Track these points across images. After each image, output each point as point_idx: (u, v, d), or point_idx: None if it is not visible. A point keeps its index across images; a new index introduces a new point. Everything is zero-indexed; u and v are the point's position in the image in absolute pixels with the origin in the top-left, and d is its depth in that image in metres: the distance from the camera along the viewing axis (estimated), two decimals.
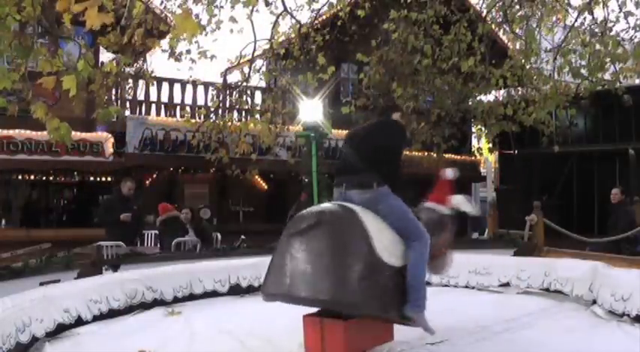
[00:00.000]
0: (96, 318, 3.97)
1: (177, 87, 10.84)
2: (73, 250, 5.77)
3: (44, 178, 10.57)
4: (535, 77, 8.71)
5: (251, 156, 9.25)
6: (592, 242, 7.49)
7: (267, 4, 8.51)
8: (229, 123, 9.34)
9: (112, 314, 4.12)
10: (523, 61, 8.53)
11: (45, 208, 11.21)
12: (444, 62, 8.48)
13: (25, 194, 10.74)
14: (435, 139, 9.63)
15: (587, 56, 7.73)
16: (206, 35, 7.98)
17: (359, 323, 3.12)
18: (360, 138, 3.52)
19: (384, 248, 3.10)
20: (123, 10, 4.62)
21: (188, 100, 10.97)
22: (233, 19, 7.92)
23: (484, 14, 8.79)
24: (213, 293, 4.85)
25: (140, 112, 10.55)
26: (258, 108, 10.78)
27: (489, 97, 9.96)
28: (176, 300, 4.61)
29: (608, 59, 7.44)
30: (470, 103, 9.57)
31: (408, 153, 10.49)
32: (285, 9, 8.60)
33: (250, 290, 5.00)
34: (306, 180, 9.52)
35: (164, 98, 10.81)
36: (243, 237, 6.93)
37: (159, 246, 7.64)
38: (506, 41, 10.65)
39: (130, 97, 10.54)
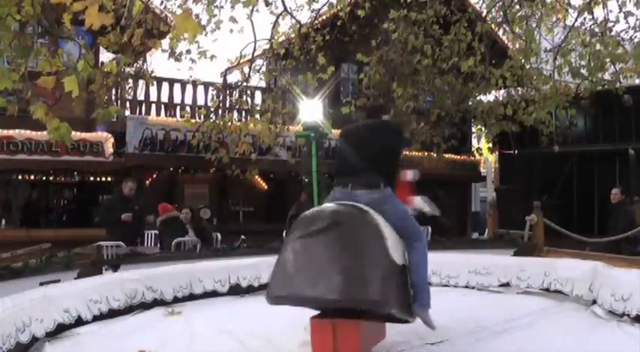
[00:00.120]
0: (96, 318, 3.97)
1: (177, 87, 10.84)
2: (73, 250, 5.77)
3: (44, 178, 10.57)
4: (535, 77, 8.71)
5: (251, 156, 9.25)
6: (592, 242, 7.49)
7: (267, 4, 8.52)
8: (229, 123, 9.34)
9: (112, 314, 4.11)
10: (523, 61, 8.53)
11: (45, 208, 11.21)
12: (444, 62, 8.48)
13: (25, 194, 10.73)
14: (435, 139, 9.64)
15: (587, 56, 7.74)
16: (206, 35, 8.00)
17: (366, 324, 3.13)
18: (361, 138, 3.51)
19: (393, 248, 3.12)
20: (123, 10, 4.62)
21: (188, 100, 10.97)
22: (233, 19, 7.92)
23: (484, 14, 8.79)
24: (213, 293, 4.85)
25: (140, 112, 10.55)
26: (258, 108, 10.78)
27: (489, 97, 9.96)
28: (176, 300, 4.61)
29: (608, 59, 7.45)
30: (470, 103, 9.58)
31: (407, 153, 10.51)
32: (285, 9, 8.60)
33: (250, 290, 5.00)
34: (306, 180, 9.52)
35: (164, 98, 10.81)
36: (243, 237, 6.93)
37: (159, 246, 7.65)
38: (506, 41, 10.66)
39: (130, 97, 10.54)
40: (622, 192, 7.99)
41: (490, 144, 10.49)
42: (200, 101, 10.86)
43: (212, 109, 9.74)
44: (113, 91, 9.65)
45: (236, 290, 4.97)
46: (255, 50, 8.77)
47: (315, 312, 3.21)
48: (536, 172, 14.41)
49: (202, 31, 7.55)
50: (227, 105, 10.29)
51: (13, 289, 4.04)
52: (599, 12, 7.69)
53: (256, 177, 10.56)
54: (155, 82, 10.16)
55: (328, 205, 3.23)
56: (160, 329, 3.85)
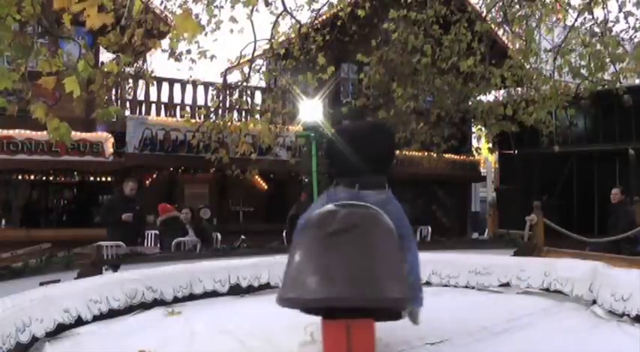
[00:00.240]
0: (96, 318, 3.97)
1: (177, 87, 10.85)
2: (73, 250, 5.77)
3: (44, 178, 10.57)
4: (535, 77, 8.71)
5: (251, 156, 9.25)
6: (592, 242, 7.49)
7: (267, 4, 8.52)
8: (229, 123, 9.34)
9: (112, 314, 4.11)
10: (522, 61, 8.53)
11: (45, 208, 11.21)
12: (444, 62, 8.48)
13: (25, 194, 10.74)
14: (435, 139, 9.64)
15: (587, 56, 7.74)
16: (206, 35, 8.00)
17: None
18: (361, 138, 3.51)
19: (402, 248, 3.18)
20: (123, 10, 4.62)
21: (188, 100, 10.97)
22: (233, 19, 7.92)
23: (484, 14, 8.79)
24: (213, 293, 4.85)
25: (140, 112, 10.55)
26: (258, 108, 10.78)
27: (489, 97, 9.97)
28: (176, 300, 4.61)
29: (608, 59, 7.45)
30: (470, 103, 9.58)
31: (407, 153, 10.53)
32: (285, 9, 8.60)
33: (250, 290, 5.00)
34: (306, 180, 9.53)
35: (164, 98, 10.81)
36: (243, 237, 6.94)
37: (159, 246, 7.65)
38: (506, 41, 10.66)
39: (130, 97, 10.54)
40: (622, 192, 8.00)
41: (490, 145, 10.49)
42: (200, 101, 10.88)
43: (212, 109, 9.75)
44: (113, 91, 9.65)
45: (236, 290, 4.96)
46: (255, 50, 8.77)
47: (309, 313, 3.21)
48: (536, 172, 14.42)
49: (202, 31, 7.54)
50: (227, 105, 10.30)
51: (13, 289, 4.04)
52: (599, 12, 7.70)
53: (256, 177, 10.56)
54: (155, 82, 10.16)
55: (340, 206, 3.16)
56: (160, 329, 3.85)
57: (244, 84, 9.45)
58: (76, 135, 8.91)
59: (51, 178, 10.66)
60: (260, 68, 9.37)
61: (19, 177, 10.21)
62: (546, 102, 8.37)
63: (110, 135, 9.84)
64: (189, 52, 8.27)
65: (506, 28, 8.88)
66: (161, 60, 8.71)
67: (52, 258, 5.21)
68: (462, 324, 3.64)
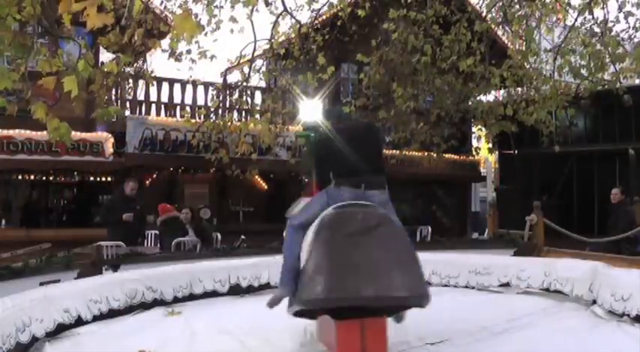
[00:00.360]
0: (96, 318, 3.97)
1: (177, 87, 10.83)
2: (73, 250, 5.77)
3: (44, 178, 10.56)
4: (535, 77, 8.71)
5: (251, 156, 9.25)
6: (592, 242, 7.49)
7: (267, 4, 8.51)
8: (229, 123, 9.33)
9: (112, 314, 4.12)
10: (522, 61, 8.53)
11: (45, 208, 11.20)
12: (444, 62, 8.48)
13: (25, 194, 10.73)
14: (435, 139, 9.64)
15: (587, 56, 7.73)
16: (206, 35, 7.99)
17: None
18: (360, 138, 3.52)
19: None
20: (123, 10, 4.61)
21: (188, 100, 10.96)
22: (233, 19, 7.92)
23: (484, 14, 8.79)
24: (213, 293, 4.85)
25: (140, 112, 10.55)
26: (258, 108, 10.78)
27: (489, 97, 9.96)
28: (176, 300, 4.61)
29: (608, 59, 7.45)
30: (470, 103, 9.58)
31: (407, 153, 10.54)
32: (285, 9, 8.60)
33: (250, 290, 5.01)
34: (306, 180, 9.51)
35: (164, 98, 10.80)
36: (243, 237, 6.94)
37: (159, 246, 7.65)
38: (506, 41, 10.66)
39: (130, 97, 10.54)
40: (622, 192, 8.00)
41: (490, 145, 10.49)
42: (200, 101, 10.86)
43: (212, 109, 9.74)
44: (113, 91, 9.64)
45: (236, 290, 4.97)
46: (255, 50, 8.77)
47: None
48: (536, 172, 14.41)
49: (202, 31, 7.55)
50: (227, 105, 10.29)
51: (13, 289, 4.04)
52: (599, 12, 7.70)
53: (256, 177, 10.56)
54: (155, 82, 10.15)
55: (354, 206, 3.18)
56: (160, 329, 3.85)
57: (244, 84, 9.44)
58: (76, 135, 8.91)
59: (51, 178, 10.65)
60: (260, 68, 9.37)
61: (19, 177, 10.20)
62: (546, 102, 8.36)
63: (110, 135, 9.84)
64: (189, 52, 8.27)
65: (507, 28, 8.86)
66: (161, 60, 8.72)
67: (52, 258, 5.21)
68: (462, 324, 3.65)
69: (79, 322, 3.83)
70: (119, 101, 10.28)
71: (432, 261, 5.09)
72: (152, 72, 9.29)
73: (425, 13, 8.35)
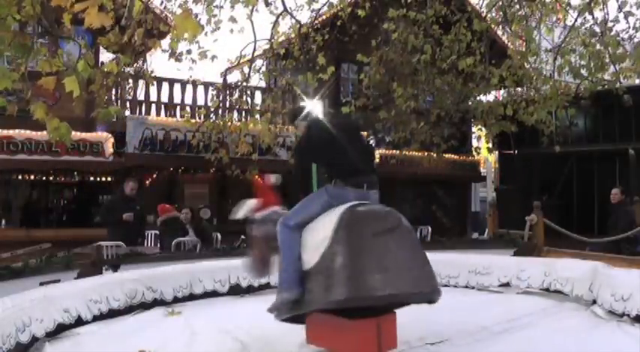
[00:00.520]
0: (96, 318, 3.97)
1: (177, 87, 10.84)
2: (73, 250, 5.78)
3: (44, 178, 10.57)
4: (535, 77, 8.71)
5: (251, 156, 9.25)
6: (592, 242, 7.49)
7: (267, 4, 8.51)
8: (229, 123, 9.33)
9: (112, 314, 4.12)
10: (522, 61, 8.52)
11: (45, 208, 11.20)
12: (444, 62, 8.48)
13: (25, 194, 10.73)
14: (435, 139, 9.64)
15: (587, 56, 7.73)
16: (206, 35, 8.00)
17: None
18: (355, 136, 3.54)
19: None
20: (123, 10, 4.62)
21: (188, 100, 10.96)
22: (233, 19, 7.92)
23: (484, 14, 8.79)
24: (213, 293, 4.86)
25: (140, 112, 10.55)
26: (258, 108, 10.78)
27: (489, 97, 9.96)
28: (176, 300, 4.61)
29: (608, 59, 7.44)
30: (470, 103, 9.58)
31: (407, 153, 10.54)
32: (285, 9, 8.60)
33: (250, 290, 5.01)
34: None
35: (164, 98, 10.80)
36: (243, 237, 6.93)
37: (159, 246, 7.65)
38: (505, 41, 10.66)
39: (130, 97, 10.54)
40: (622, 192, 7.99)
41: (490, 144, 10.49)
42: (200, 101, 10.87)
43: (212, 109, 9.74)
44: (113, 91, 9.64)
45: (236, 290, 4.97)
46: (255, 50, 8.77)
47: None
48: (536, 172, 14.41)
49: (202, 30, 7.55)
50: (227, 105, 10.29)
51: (13, 289, 4.04)
52: (598, 12, 7.69)
53: (256, 177, 10.55)
54: (155, 82, 10.15)
55: (371, 206, 3.23)
56: (160, 329, 3.85)
57: (244, 84, 9.44)
58: (76, 135, 8.91)
59: (51, 178, 10.65)
60: (260, 68, 9.37)
61: (19, 177, 10.21)
62: (546, 102, 8.36)
63: (110, 135, 9.84)
64: (189, 52, 8.26)
65: (507, 28, 8.86)
66: (161, 60, 8.72)
67: (52, 258, 5.22)
68: (462, 324, 3.64)
69: (79, 322, 3.83)
70: (119, 101, 10.28)
71: (432, 261, 5.07)
72: (152, 72, 9.29)
73: (425, 13, 8.35)
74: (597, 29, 7.58)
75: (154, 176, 10.88)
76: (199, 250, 6.57)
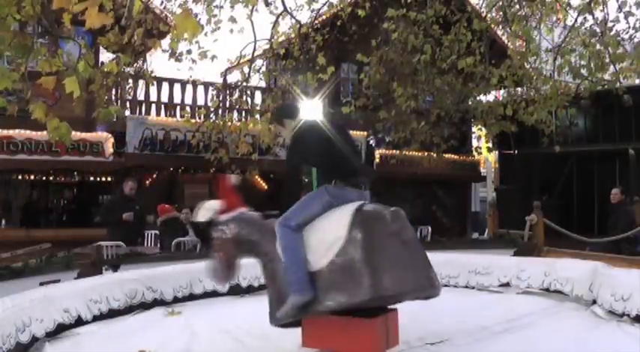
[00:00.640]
0: (96, 318, 3.97)
1: (177, 87, 10.85)
2: (73, 250, 5.78)
3: (44, 178, 10.57)
4: (535, 77, 8.71)
5: (251, 156, 9.25)
6: (592, 242, 7.49)
7: (267, 4, 8.51)
8: (229, 123, 9.33)
9: (112, 314, 4.12)
10: (521, 61, 8.52)
11: (45, 208, 11.21)
12: (444, 62, 8.48)
13: (25, 194, 10.73)
14: (435, 139, 9.64)
15: (587, 56, 7.73)
16: (206, 35, 8.00)
17: None
18: (348, 137, 3.57)
19: None
20: (123, 10, 4.62)
21: (188, 100, 10.97)
22: (233, 19, 7.92)
23: (484, 14, 8.79)
24: (213, 293, 4.85)
25: (140, 112, 10.55)
26: (258, 108, 10.78)
27: (489, 97, 9.96)
28: (176, 300, 4.61)
29: (608, 59, 7.44)
30: (470, 103, 9.58)
31: (407, 153, 10.54)
32: (285, 9, 8.60)
33: (250, 290, 5.00)
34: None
35: (164, 98, 10.81)
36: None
37: (159, 246, 7.65)
38: (505, 41, 10.66)
39: (130, 97, 10.54)
40: (622, 192, 8.00)
41: (489, 144, 10.49)
42: (200, 101, 10.88)
43: (212, 109, 9.74)
44: (113, 91, 9.64)
45: (236, 290, 4.97)
46: (255, 50, 8.77)
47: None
48: (536, 172, 14.42)
49: (202, 30, 7.55)
50: (227, 105, 10.29)
51: (13, 289, 4.04)
52: (599, 12, 7.69)
53: (256, 177, 10.56)
54: (155, 82, 10.15)
55: (376, 205, 3.26)
56: (160, 329, 3.85)
57: (244, 84, 9.44)
58: (76, 135, 8.91)
59: (51, 178, 10.66)
60: (260, 68, 9.37)
61: (19, 177, 10.21)
62: (546, 102, 8.36)
63: (110, 135, 9.84)
64: (189, 52, 8.27)
65: (507, 29, 8.85)
66: (161, 60, 8.72)
67: (52, 258, 5.22)
68: (462, 324, 3.64)
69: (79, 322, 3.82)
70: (119, 101, 10.29)
71: (432, 261, 5.07)
72: (152, 72, 9.29)
73: (425, 13, 8.35)
74: (597, 29, 7.57)
75: (154, 176, 10.88)
76: (199, 250, 6.57)
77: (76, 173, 10.58)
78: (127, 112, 10.32)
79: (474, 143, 12.97)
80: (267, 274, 3.40)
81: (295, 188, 3.54)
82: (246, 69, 9.25)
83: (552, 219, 7.24)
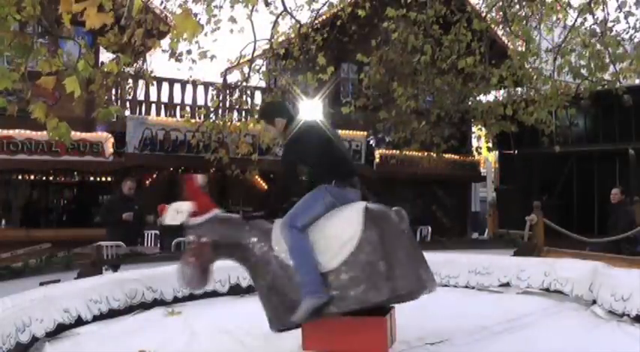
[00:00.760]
0: (96, 318, 3.97)
1: (177, 87, 10.85)
2: (73, 250, 5.78)
3: (44, 178, 10.57)
4: (535, 77, 8.71)
5: (251, 156, 9.25)
6: (592, 242, 7.49)
7: (267, 4, 8.51)
8: (229, 123, 9.33)
9: (112, 314, 4.12)
10: (521, 61, 8.52)
11: (45, 208, 11.20)
12: (444, 62, 8.48)
13: (25, 194, 10.73)
14: (435, 139, 9.64)
15: (587, 56, 7.73)
16: (206, 35, 7.99)
17: None
18: (340, 138, 3.62)
19: None
20: (123, 10, 4.62)
21: (188, 100, 10.97)
22: (233, 19, 7.91)
23: (484, 14, 8.79)
24: (213, 293, 4.85)
25: (140, 112, 10.55)
26: (258, 108, 10.77)
27: (489, 97, 9.96)
28: (176, 300, 4.62)
29: (608, 59, 7.44)
30: (470, 103, 9.58)
31: (407, 153, 10.54)
32: (285, 9, 8.59)
33: (250, 290, 4.99)
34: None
35: (164, 98, 10.81)
36: None
37: (159, 246, 7.64)
38: (505, 41, 10.65)
39: (130, 97, 10.54)
40: (622, 192, 7.99)
41: (489, 144, 10.48)
42: (200, 101, 10.87)
43: (212, 109, 9.74)
44: (113, 91, 9.64)
45: (236, 290, 4.97)
46: (255, 50, 8.76)
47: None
48: (536, 172, 14.42)
49: (202, 30, 7.54)
50: (227, 105, 10.29)
51: (13, 289, 4.05)
52: (599, 12, 7.69)
53: (256, 177, 10.56)
54: (155, 82, 10.15)
55: (379, 205, 3.29)
56: (159, 329, 3.85)
57: (244, 84, 9.43)
58: (76, 135, 8.91)
59: (51, 178, 10.66)
60: (260, 68, 9.36)
61: (19, 177, 10.21)
62: (546, 102, 8.36)
63: (110, 135, 9.84)
64: (189, 52, 8.26)
65: (507, 29, 8.85)
66: (161, 60, 8.72)
67: (52, 258, 5.22)
68: (462, 324, 3.64)
69: (79, 322, 3.83)
70: (119, 101, 10.28)
71: (432, 261, 5.06)
72: (152, 72, 9.28)
73: (425, 13, 8.35)
74: (597, 29, 7.57)
75: (154, 176, 10.88)
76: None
77: (76, 173, 10.58)
78: (127, 112, 10.32)
79: (474, 143, 12.97)
80: (261, 278, 3.27)
81: (287, 187, 3.52)
82: (246, 69, 9.24)
83: (552, 219, 7.24)
